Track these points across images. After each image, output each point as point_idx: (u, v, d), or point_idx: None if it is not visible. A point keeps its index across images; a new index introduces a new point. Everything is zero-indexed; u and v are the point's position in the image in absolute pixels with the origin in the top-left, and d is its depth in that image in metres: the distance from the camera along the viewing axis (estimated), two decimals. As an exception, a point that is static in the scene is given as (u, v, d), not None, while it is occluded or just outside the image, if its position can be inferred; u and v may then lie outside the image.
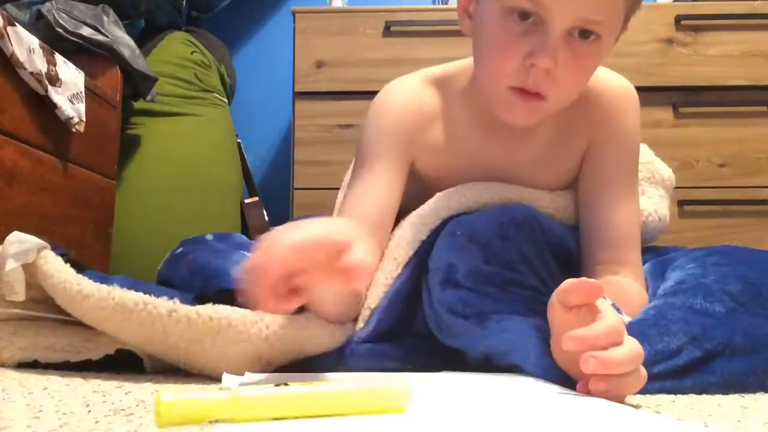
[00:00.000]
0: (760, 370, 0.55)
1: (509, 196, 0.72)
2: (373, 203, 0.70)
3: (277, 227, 0.46)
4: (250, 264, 0.43)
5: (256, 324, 0.57)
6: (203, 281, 0.66)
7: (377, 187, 0.71)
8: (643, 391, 0.52)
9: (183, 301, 0.57)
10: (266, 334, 0.57)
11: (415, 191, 0.77)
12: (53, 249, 0.63)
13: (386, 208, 0.71)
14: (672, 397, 0.50)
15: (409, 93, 0.76)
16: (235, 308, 0.57)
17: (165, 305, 0.56)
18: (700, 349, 0.55)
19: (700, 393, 0.53)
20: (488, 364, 0.61)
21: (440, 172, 0.77)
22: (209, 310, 0.57)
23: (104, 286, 0.58)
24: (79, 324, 0.64)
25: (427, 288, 0.65)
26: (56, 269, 0.61)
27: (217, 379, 0.57)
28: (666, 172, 0.91)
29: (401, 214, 0.76)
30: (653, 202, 0.86)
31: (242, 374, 0.54)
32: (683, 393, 0.52)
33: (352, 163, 0.77)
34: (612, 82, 0.75)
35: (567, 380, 0.51)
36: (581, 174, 0.77)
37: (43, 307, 0.66)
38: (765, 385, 0.55)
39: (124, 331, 0.59)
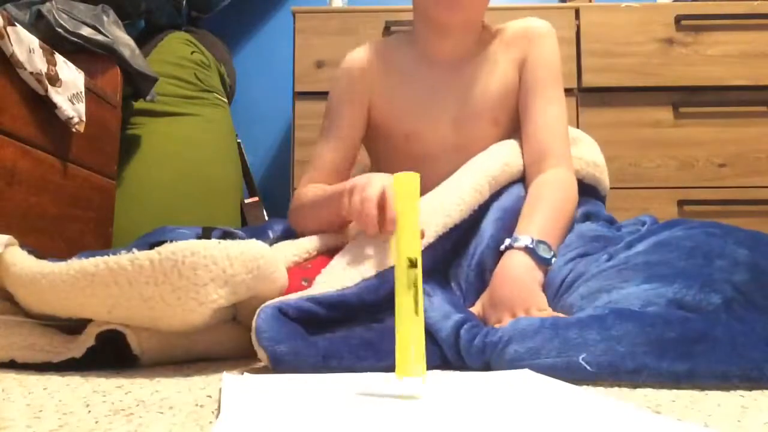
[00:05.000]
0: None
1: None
2: (337, 157, 0.96)
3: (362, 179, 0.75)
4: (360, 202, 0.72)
5: (217, 246, 0.59)
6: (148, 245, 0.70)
7: (341, 139, 0.96)
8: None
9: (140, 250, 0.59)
10: (227, 254, 0.59)
11: (380, 148, 1.00)
12: (21, 247, 0.67)
13: (346, 158, 0.97)
14: (672, 396, 0.50)
15: (358, 54, 0.99)
16: (192, 240, 0.59)
17: (125, 257, 0.57)
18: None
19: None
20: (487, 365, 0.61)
21: (398, 110, 0.96)
22: (170, 246, 0.58)
23: (62, 263, 0.60)
24: (56, 327, 0.65)
25: None
26: (19, 258, 0.64)
27: (218, 372, 0.57)
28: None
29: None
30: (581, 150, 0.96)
31: (234, 354, 0.54)
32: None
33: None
34: (536, 21, 0.97)
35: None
36: (519, 90, 0.95)
37: (18, 308, 0.67)
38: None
39: (90, 298, 0.59)
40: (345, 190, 0.76)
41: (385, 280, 0.68)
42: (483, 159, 0.87)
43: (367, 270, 0.69)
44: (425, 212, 0.76)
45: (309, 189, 0.93)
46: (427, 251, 0.75)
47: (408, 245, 0.46)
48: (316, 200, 0.88)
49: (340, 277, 0.69)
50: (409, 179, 0.47)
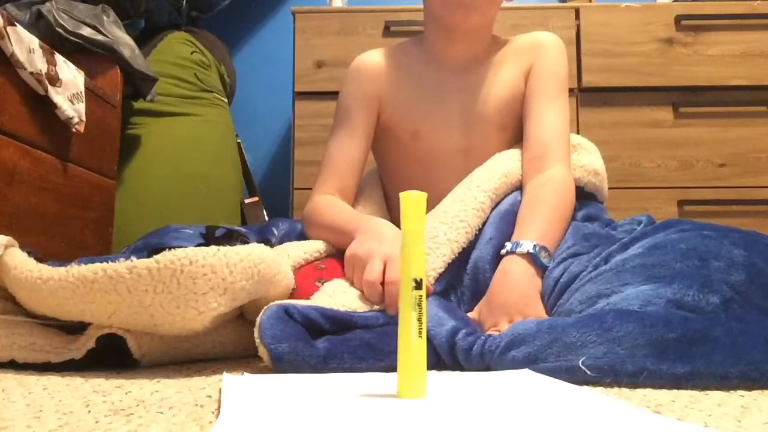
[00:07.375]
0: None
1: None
2: (349, 157, 0.96)
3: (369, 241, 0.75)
4: (371, 276, 0.70)
5: (216, 254, 0.58)
6: (148, 251, 0.69)
7: (353, 139, 0.96)
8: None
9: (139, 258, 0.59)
10: (226, 261, 0.58)
11: (387, 148, 1.00)
12: (21, 248, 0.66)
13: (358, 158, 0.96)
14: (672, 396, 0.50)
15: (369, 56, 1.00)
16: (190, 248, 0.58)
17: (123, 265, 0.57)
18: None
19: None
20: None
21: (405, 109, 0.96)
22: (168, 255, 0.57)
23: (62, 268, 0.59)
24: (57, 327, 0.65)
25: None
26: (19, 260, 0.63)
27: (218, 372, 0.57)
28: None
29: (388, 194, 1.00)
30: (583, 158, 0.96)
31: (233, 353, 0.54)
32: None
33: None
34: (544, 33, 0.99)
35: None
36: (524, 96, 0.95)
37: (18, 308, 0.67)
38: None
39: (90, 305, 0.59)
40: (346, 259, 0.76)
41: (394, 320, 0.67)
42: (484, 175, 0.86)
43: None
44: (433, 243, 0.77)
45: (322, 204, 0.92)
46: (440, 279, 0.76)
47: (414, 266, 0.45)
48: (324, 224, 0.88)
49: (352, 297, 0.70)
50: (416, 198, 0.46)
